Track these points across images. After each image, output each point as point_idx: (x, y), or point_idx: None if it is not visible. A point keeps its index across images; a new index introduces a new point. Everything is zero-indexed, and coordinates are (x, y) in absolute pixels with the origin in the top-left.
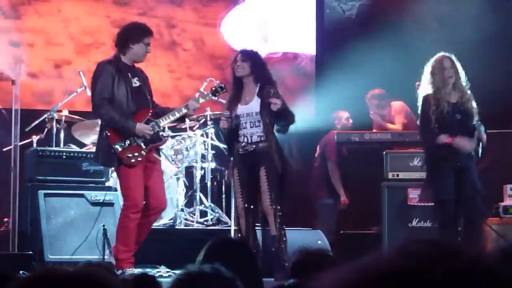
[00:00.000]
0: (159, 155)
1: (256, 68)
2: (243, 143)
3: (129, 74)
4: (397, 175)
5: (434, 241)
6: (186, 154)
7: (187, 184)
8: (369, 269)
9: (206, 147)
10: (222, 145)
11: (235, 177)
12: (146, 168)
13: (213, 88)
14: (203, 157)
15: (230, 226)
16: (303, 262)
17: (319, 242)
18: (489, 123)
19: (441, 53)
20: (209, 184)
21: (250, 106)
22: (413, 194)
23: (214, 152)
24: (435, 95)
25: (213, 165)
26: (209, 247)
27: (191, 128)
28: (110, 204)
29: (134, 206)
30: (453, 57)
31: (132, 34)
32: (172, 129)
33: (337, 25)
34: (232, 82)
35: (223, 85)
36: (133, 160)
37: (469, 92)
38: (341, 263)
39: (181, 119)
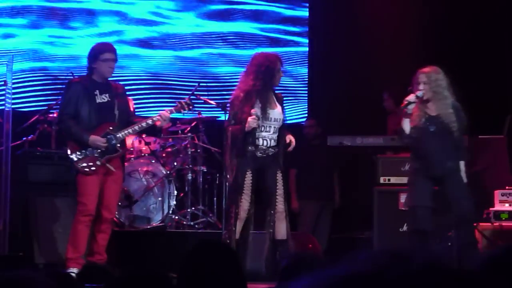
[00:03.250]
0: (122, 166)
1: None
2: (263, 146)
3: (97, 90)
4: (389, 180)
5: (391, 250)
6: (177, 156)
7: (178, 186)
8: (335, 275)
9: (198, 150)
10: (214, 148)
11: (247, 179)
12: (104, 179)
13: (179, 105)
14: (195, 159)
15: (221, 229)
16: (294, 266)
17: (310, 246)
18: (481, 128)
19: (423, 68)
20: (200, 187)
21: (278, 112)
22: (405, 199)
23: (205, 155)
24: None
25: (204, 168)
26: (193, 250)
27: (182, 131)
28: None
29: (86, 211)
30: (433, 73)
31: (91, 55)
32: (163, 131)
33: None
34: (266, 88)
35: (190, 102)
36: (86, 169)
37: (450, 109)
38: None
39: (155, 131)
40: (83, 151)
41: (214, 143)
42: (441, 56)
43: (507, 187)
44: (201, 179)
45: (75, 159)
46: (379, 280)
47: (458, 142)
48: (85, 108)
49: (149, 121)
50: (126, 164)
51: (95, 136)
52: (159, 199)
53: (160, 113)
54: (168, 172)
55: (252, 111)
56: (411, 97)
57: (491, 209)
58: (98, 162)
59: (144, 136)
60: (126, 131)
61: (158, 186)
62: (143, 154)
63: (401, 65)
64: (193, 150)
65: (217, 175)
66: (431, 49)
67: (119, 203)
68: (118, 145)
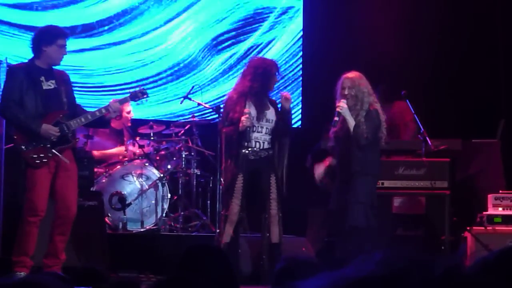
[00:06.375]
0: (70, 158)
1: None
2: (255, 148)
3: (43, 77)
4: (382, 184)
5: (410, 252)
6: (170, 159)
7: (171, 189)
8: (348, 277)
9: (191, 153)
10: (207, 151)
11: (239, 182)
12: (57, 174)
13: (132, 91)
14: (188, 162)
15: (214, 232)
16: (288, 269)
17: (304, 249)
18: (474, 132)
19: (347, 73)
20: (194, 190)
21: (271, 113)
22: (398, 203)
23: (199, 158)
24: None
25: (197, 171)
26: (186, 254)
27: (176, 134)
28: (94, 208)
29: (33, 210)
30: (356, 78)
31: (44, 37)
32: (157, 134)
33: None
34: (263, 90)
35: (144, 91)
36: (37, 161)
37: (361, 117)
38: (325, 271)
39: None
40: (32, 141)
41: (207, 146)
42: (436, 60)
43: (500, 191)
44: (194, 182)
45: (25, 149)
46: (399, 284)
47: (367, 149)
48: (31, 95)
49: (103, 110)
50: (119, 166)
51: (47, 124)
52: (153, 202)
53: (109, 103)
54: (162, 175)
55: (245, 110)
56: (343, 108)
57: (484, 213)
58: (49, 154)
59: (138, 139)
60: (78, 120)
61: (151, 189)
62: (136, 157)
63: (395, 70)
64: (187, 153)
65: (211, 178)
66: (426, 54)
67: (112, 206)
68: (70, 135)
